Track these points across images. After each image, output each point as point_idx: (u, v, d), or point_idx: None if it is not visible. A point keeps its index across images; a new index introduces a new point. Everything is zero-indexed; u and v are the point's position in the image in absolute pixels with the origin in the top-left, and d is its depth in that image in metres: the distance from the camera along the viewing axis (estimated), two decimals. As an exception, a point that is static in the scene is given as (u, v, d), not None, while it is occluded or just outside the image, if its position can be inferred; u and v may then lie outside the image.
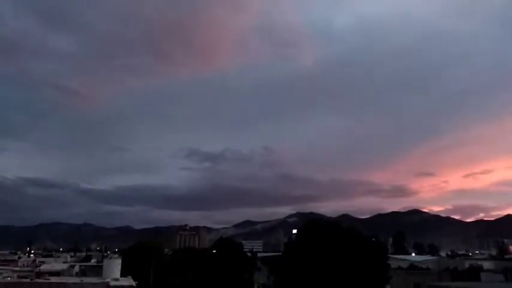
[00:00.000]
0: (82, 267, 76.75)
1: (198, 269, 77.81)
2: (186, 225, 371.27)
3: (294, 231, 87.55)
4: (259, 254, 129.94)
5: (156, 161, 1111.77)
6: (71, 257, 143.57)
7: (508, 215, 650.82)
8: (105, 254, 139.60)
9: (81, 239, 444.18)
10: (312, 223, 62.64)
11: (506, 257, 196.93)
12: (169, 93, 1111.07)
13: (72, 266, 75.89)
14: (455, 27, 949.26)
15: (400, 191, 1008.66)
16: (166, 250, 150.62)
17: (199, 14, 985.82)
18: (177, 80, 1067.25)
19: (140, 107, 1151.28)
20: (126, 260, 60.17)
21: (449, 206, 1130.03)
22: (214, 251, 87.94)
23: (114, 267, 49.40)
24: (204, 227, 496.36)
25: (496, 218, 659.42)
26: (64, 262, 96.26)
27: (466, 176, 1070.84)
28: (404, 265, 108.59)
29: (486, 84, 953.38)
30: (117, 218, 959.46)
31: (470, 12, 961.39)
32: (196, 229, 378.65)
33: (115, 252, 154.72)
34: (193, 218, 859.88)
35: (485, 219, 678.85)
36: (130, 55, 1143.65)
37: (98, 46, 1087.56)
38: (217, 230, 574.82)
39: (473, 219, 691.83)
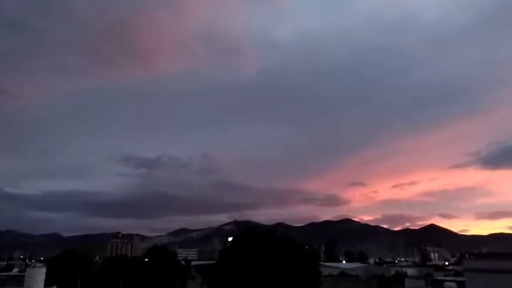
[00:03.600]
0: (1, 277, 71.93)
1: (128, 277, 75.45)
2: (118, 233, 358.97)
3: (230, 239, 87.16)
4: (193, 263, 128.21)
5: (89, 166, 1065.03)
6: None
7: (431, 225, 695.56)
8: (28, 263, 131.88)
9: (3, 247, 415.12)
10: (247, 231, 63.09)
11: (428, 263, 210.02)
12: (106, 95, 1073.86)
13: (-10, 276, 70.83)
14: (388, 44, 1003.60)
15: (333, 200, 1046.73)
16: (96, 258, 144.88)
17: (141, 17, 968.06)
18: (114, 83, 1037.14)
19: (74, 109, 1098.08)
20: (52, 269, 57.28)
21: (378, 216, 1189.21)
22: (147, 259, 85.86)
23: (37, 276, 46.89)
24: (138, 234, 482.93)
25: (420, 227, 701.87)
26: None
27: (394, 186, 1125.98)
28: (335, 272, 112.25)
29: (414, 100, 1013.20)
30: (44, 225, 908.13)
31: (402, 32, 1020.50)
32: (129, 237, 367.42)
33: (40, 261, 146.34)
34: (126, 225, 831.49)
35: (410, 228, 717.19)
36: (66, 55, 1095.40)
37: (31, 44, 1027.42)
38: (151, 237, 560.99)
39: (400, 228, 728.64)
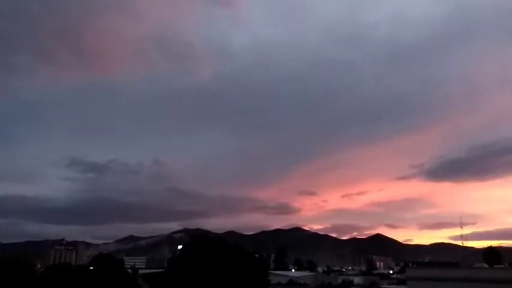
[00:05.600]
0: None
1: (71, 286, 72.47)
2: (62, 240, 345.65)
3: (180, 247, 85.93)
4: (141, 271, 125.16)
5: (33, 169, 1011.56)
6: None
7: (377, 234, 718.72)
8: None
9: None
10: (197, 239, 62.44)
11: (374, 272, 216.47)
12: (53, 96, 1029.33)
13: None
14: (342, 57, 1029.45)
15: (284, 209, 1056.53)
16: (38, 266, 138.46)
17: (93, 17, 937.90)
18: (63, 84, 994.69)
19: (17, 109, 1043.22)
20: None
21: (327, 225, 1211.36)
22: (92, 267, 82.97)
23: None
24: (83, 242, 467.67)
25: (368, 236, 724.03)
26: None
27: (343, 196, 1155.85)
28: (284, 280, 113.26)
29: (364, 113, 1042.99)
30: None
31: (355, 46, 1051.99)
32: (74, 244, 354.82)
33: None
34: (72, 232, 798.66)
35: (358, 237, 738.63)
36: (10, 53, 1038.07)
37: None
38: (97, 245, 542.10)
39: (348, 237, 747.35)
